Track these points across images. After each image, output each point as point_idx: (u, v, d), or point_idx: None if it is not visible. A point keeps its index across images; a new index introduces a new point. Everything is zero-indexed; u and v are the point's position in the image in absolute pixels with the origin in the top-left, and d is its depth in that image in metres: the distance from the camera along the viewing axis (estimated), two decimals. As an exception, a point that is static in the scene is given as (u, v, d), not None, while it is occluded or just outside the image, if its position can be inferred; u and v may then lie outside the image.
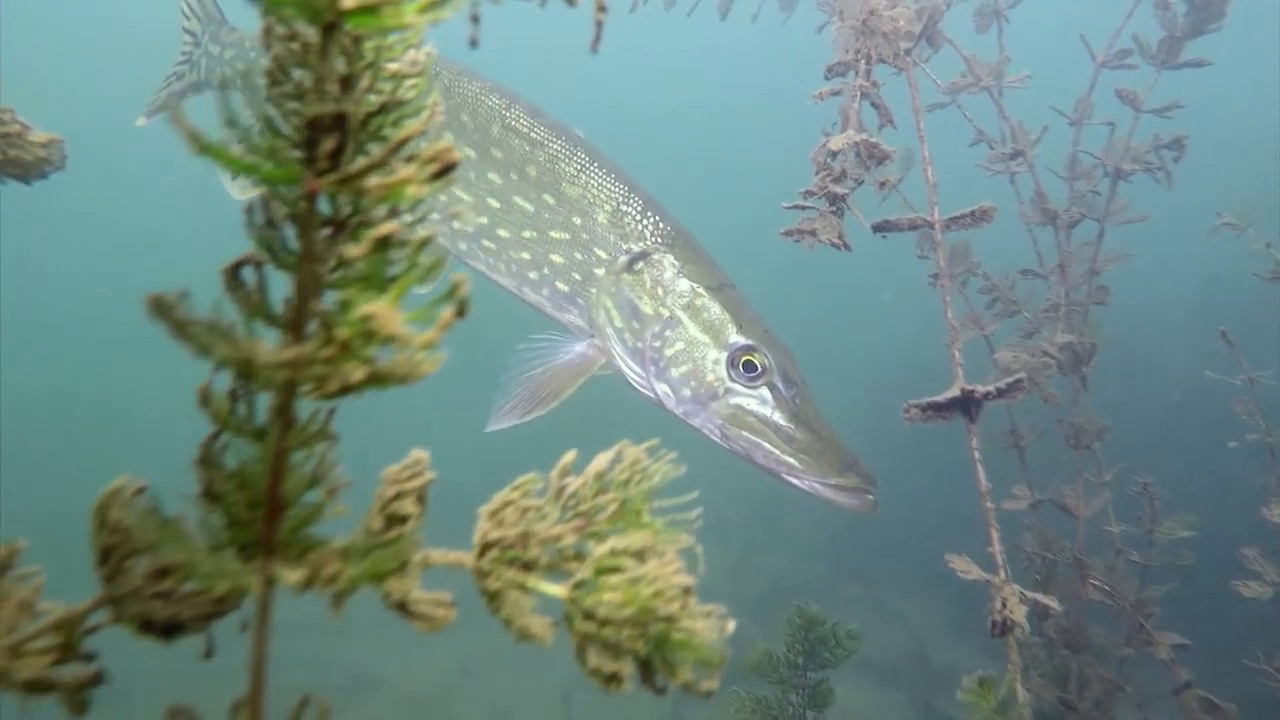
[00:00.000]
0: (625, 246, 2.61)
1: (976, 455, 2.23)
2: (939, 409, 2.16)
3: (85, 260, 21.94)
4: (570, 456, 0.81)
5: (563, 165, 2.68)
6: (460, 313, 0.66)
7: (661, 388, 2.55)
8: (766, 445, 2.43)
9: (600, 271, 2.62)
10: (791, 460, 2.41)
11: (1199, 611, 4.91)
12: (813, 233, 2.07)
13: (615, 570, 0.72)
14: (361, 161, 0.57)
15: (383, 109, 0.67)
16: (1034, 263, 3.83)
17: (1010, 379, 2.17)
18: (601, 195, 2.65)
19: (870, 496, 2.45)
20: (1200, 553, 3.53)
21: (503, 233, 2.72)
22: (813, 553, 12.42)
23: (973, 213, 2.24)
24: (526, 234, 2.69)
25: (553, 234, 2.65)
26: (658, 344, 2.52)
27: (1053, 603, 2.15)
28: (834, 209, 2.12)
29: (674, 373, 2.51)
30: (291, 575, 0.67)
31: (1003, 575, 2.18)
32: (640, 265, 2.58)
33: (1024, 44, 4.15)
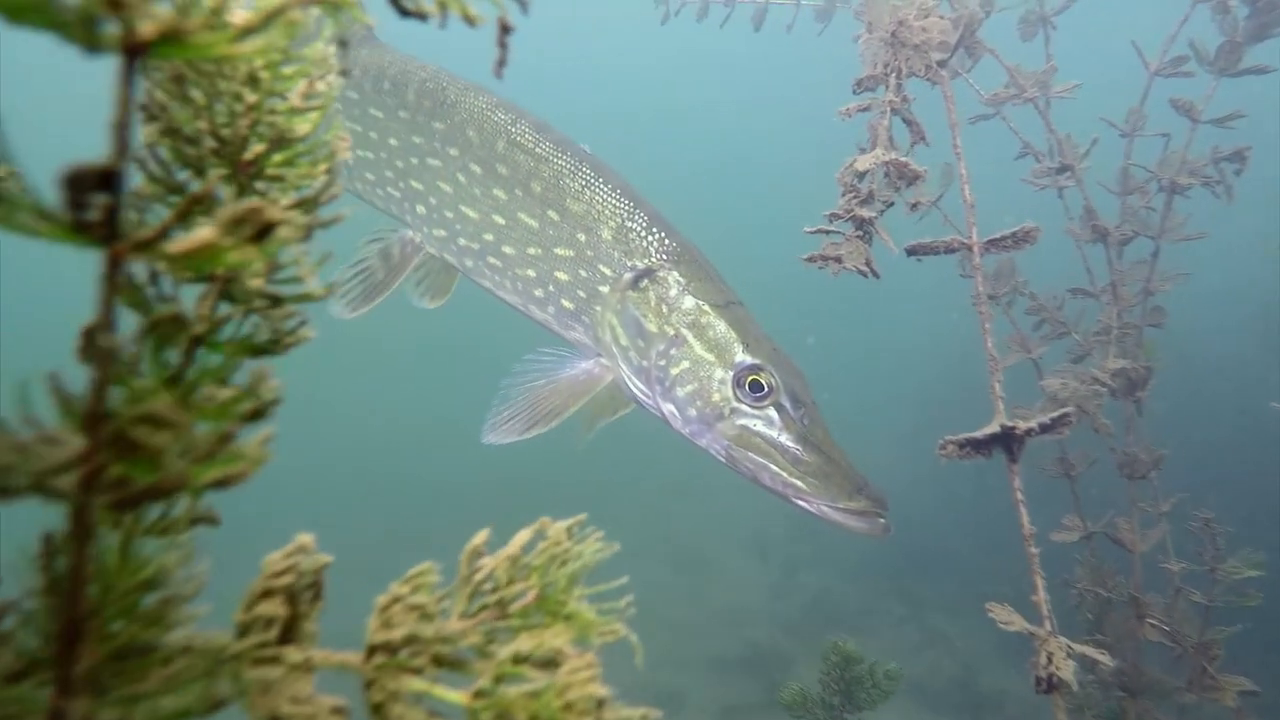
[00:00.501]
0: (630, 263, 2.57)
1: (1019, 496, 2.07)
2: (977, 446, 2.00)
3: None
4: (481, 537, 0.69)
5: (567, 181, 2.64)
6: (258, 414, 0.54)
7: (668, 407, 2.51)
8: (774, 467, 2.37)
9: (605, 289, 2.58)
10: (799, 483, 2.34)
11: (1269, 655, 4.63)
12: (838, 259, 1.92)
13: (519, 677, 0.60)
14: (148, 227, 0.46)
15: (274, 144, 0.55)
16: (1084, 282, 3.63)
17: (1056, 413, 2.00)
18: (606, 211, 2.60)
19: (882, 520, 2.33)
20: (1269, 592, 3.30)
21: (508, 249, 2.69)
22: (856, 571, 12.15)
23: (1014, 234, 2.08)
24: (531, 251, 2.66)
25: (557, 250, 2.62)
26: (663, 362, 2.48)
27: (1104, 657, 1.97)
28: (861, 233, 1.97)
29: (679, 392, 2.46)
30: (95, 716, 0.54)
31: (1048, 627, 2.01)
32: (645, 282, 2.54)
33: (1072, 52, 3.95)
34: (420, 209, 2.89)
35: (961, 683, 8.94)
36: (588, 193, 2.63)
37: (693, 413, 2.45)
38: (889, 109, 2.05)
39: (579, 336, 2.69)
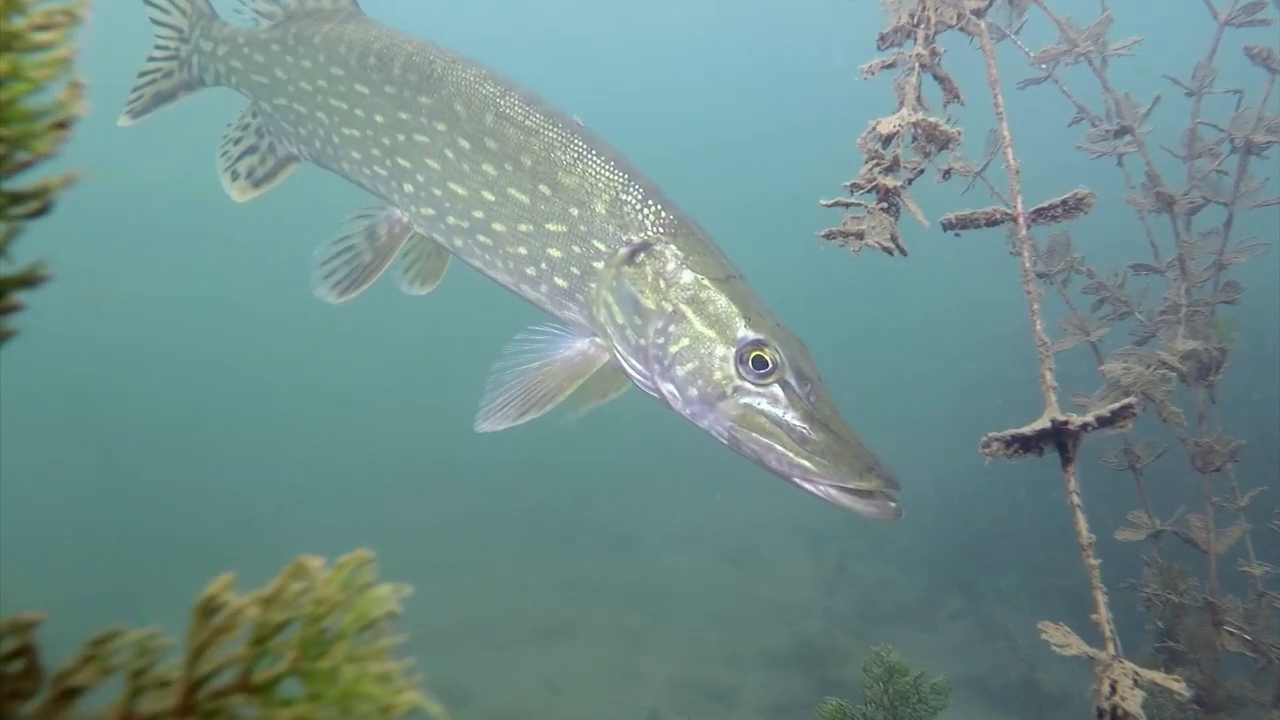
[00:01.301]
0: (625, 237, 2.46)
1: (1076, 500, 1.81)
2: (1026, 443, 1.75)
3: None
4: (221, 584, 0.50)
5: (558, 154, 2.54)
6: None
7: (666, 387, 2.40)
8: (779, 448, 2.25)
9: (600, 265, 2.48)
10: (806, 463, 2.22)
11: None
12: (859, 235, 1.68)
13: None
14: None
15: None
16: (1148, 256, 3.32)
17: (1117, 404, 1.74)
18: (599, 184, 2.50)
19: (893, 504, 2.21)
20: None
21: (498, 227, 2.60)
22: (912, 563, 11.83)
23: (1064, 202, 1.81)
24: (523, 228, 2.56)
25: (549, 227, 2.53)
26: (661, 340, 2.38)
27: (1179, 685, 1.71)
28: (885, 205, 1.73)
29: (679, 371, 2.36)
30: None
31: (1111, 650, 1.76)
32: (641, 257, 2.43)
33: (1130, 3, 3.62)
34: (408, 187, 2.79)
35: (1024, 680, 8.58)
36: (580, 165, 2.52)
37: (693, 392, 2.34)
38: (917, 64, 1.80)
39: (573, 315, 2.58)
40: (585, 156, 2.54)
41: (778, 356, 2.29)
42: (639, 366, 2.45)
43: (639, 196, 2.50)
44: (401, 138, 2.76)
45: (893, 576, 11.67)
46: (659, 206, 2.49)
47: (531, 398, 2.45)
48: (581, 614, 10.69)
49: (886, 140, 1.77)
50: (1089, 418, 1.72)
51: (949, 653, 9.47)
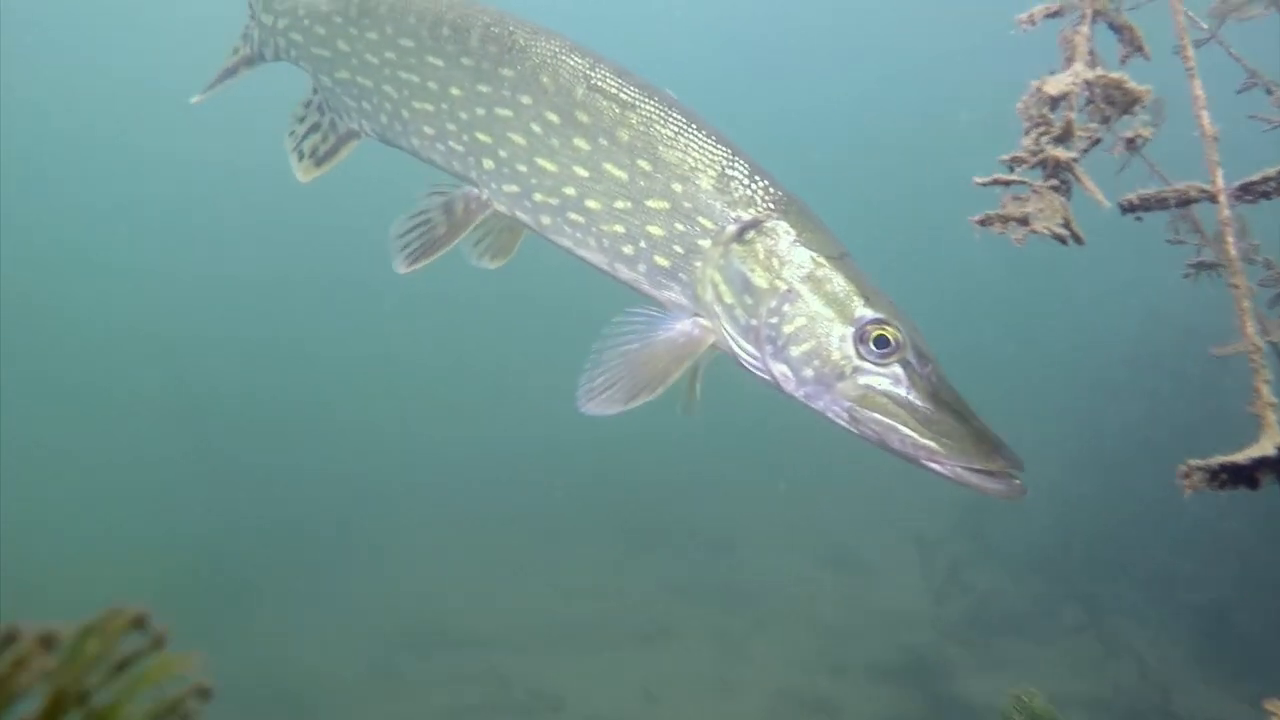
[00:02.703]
0: (734, 214, 2.41)
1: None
2: (1238, 474, 1.41)
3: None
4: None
5: (659, 128, 2.48)
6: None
7: (779, 368, 2.35)
8: (904, 429, 2.22)
9: (706, 243, 2.42)
10: (932, 444, 2.18)
11: None
12: (1023, 219, 1.38)
13: None
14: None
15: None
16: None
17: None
18: (704, 159, 2.44)
19: (1018, 482, 2.19)
20: None
21: (592, 204, 2.54)
22: (1026, 569, 11.23)
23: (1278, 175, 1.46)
24: (620, 205, 2.50)
25: (650, 203, 2.47)
26: (774, 320, 2.34)
27: None
28: (1056, 182, 1.41)
29: (794, 351, 2.32)
30: None
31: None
32: (751, 234, 2.39)
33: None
34: (488, 163, 2.72)
35: (1154, 703, 7.97)
36: (682, 139, 2.46)
37: (809, 373, 2.31)
38: (1090, 10, 1.47)
39: (674, 296, 2.52)
40: (686, 130, 2.48)
41: (899, 335, 2.25)
42: (749, 348, 2.40)
43: (745, 172, 2.44)
44: (481, 111, 2.69)
45: (1004, 584, 11.09)
46: (767, 182, 2.44)
47: (639, 380, 2.40)
48: (678, 618, 10.48)
49: (1055, 103, 1.45)
50: (1321, 443, 1.36)
51: (1069, 670, 8.91)
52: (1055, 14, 1.51)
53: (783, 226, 2.39)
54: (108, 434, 14.72)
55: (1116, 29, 1.52)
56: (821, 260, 2.35)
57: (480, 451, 14.53)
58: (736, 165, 2.46)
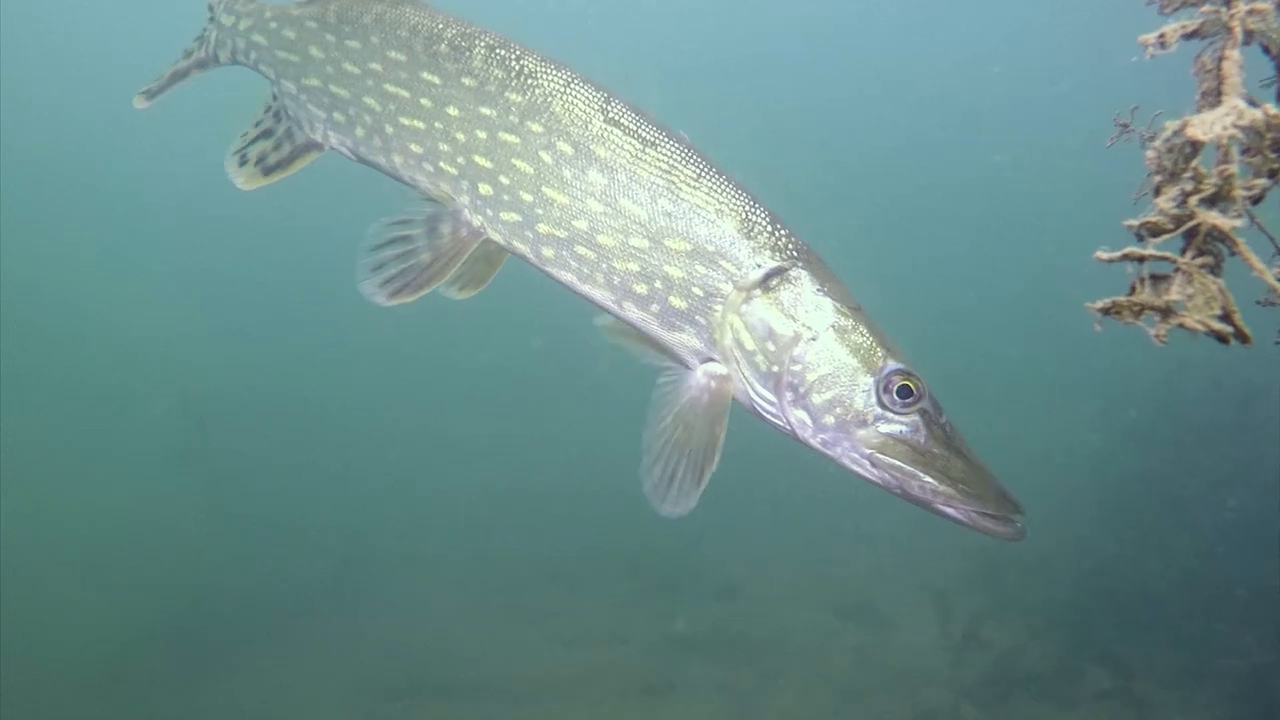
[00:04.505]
0: (758, 260, 2.43)
1: None
2: None
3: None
4: None
5: (681, 168, 2.48)
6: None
7: (798, 415, 2.40)
8: (924, 475, 2.31)
9: (727, 287, 2.44)
10: (949, 490, 2.29)
11: None
12: (1166, 310, 1.00)
13: None
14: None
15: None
16: None
17: None
18: (728, 203, 2.46)
19: (1020, 525, 2.29)
20: None
21: (605, 240, 2.52)
22: (1048, 625, 10.77)
23: None
24: (635, 242, 2.49)
25: (669, 243, 2.47)
26: (797, 368, 2.39)
27: None
28: (1205, 257, 1.04)
29: (816, 399, 2.37)
30: None
31: None
32: (776, 281, 2.42)
33: None
34: (485, 189, 2.64)
35: (1192, 780, 7.48)
36: (705, 181, 2.47)
37: (830, 420, 2.37)
38: (1240, 29, 1.10)
39: (685, 338, 2.52)
40: (708, 173, 2.48)
41: (920, 385, 2.33)
42: (766, 394, 2.44)
43: (768, 219, 2.47)
44: (482, 135, 2.62)
45: (1025, 641, 10.61)
46: (787, 231, 2.47)
47: (693, 457, 2.43)
48: (684, 668, 10.10)
49: (1192, 149, 1.07)
50: None
51: (1099, 738, 8.42)
52: (1194, 34, 1.14)
53: (806, 275, 2.42)
54: (108, 477, 14.48)
55: (1271, 54, 1.15)
56: (844, 310, 2.40)
57: (480, 495, 14.20)
58: (758, 212, 2.47)
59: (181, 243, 22.90)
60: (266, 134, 3.05)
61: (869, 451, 2.34)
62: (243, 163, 3.05)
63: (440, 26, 2.74)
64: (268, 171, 3.04)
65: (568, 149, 2.53)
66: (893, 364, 2.35)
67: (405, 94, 2.73)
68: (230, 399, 16.76)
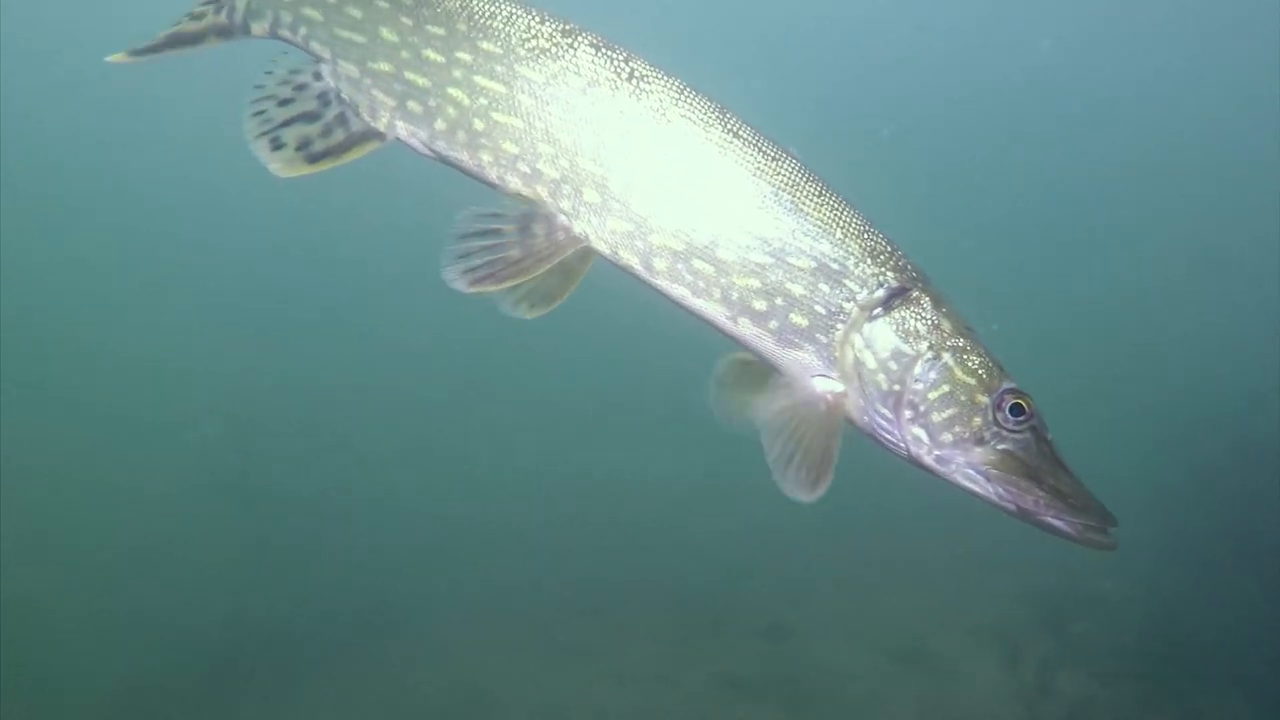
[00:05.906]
0: (881, 280, 2.55)
1: None
2: None
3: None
4: None
5: (804, 184, 2.56)
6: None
7: (915, 432, 2.53)
8: (1038, 489, 2.46)
9: (850, 306, 2.55)
10: (1060, 503, 2.44)
11: None
12: None
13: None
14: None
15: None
16: None
17: None
18: (850, 223, 2.56)
19: (1115, 537, 2.44)
20: None
21: (725, 254, 2.57)
22: (1118, 671, 10.38)
23: None
24: (757, 258, 2.56)
25: (793, 261, 2.55)
26: (919, 386, 2.51)
27: None
28: None
29: (936, 417, 2.50)
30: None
31: None
32: (898, 301, 2.55)
33: None
34: (590, 195, 2.61)
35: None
36: (827, 199, 2.57)
37: (948, 438, 2.50)
38: None
39: (803, 356, 2.60)
40: (827, 191, 2.57)
41: (1031, 404, 2.49)
42: (885, 412, 2.54)
43: (886, 240, 2.58)
44: (592, 139, 2.60)
45: (1098, 688, 10.15)
46: (902, 252, 2.59)
47: (809, 456, 2.51)
48: (729, 714, 9.61)
49: None
50: None
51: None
52: None
53: (927, 297, 2.55)
54: (143, 506, 14.10)
55: None
56: (961, 331, 2.54)
57: (526, 529, 13.78)
58: (876, 233, 2.58)
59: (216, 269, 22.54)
60: (309, 117, 2.79)
61: (985, 467, 2.49)
62: (277, 146, 2.76)
63: (535, 19, 2.67)
64: (314, 159, 2.79)
65: (686, 160, 2.56)
66: (1007, 383, 2.51)
67: (501, 88, 2.64)
68: (266, 427, 16.39)
